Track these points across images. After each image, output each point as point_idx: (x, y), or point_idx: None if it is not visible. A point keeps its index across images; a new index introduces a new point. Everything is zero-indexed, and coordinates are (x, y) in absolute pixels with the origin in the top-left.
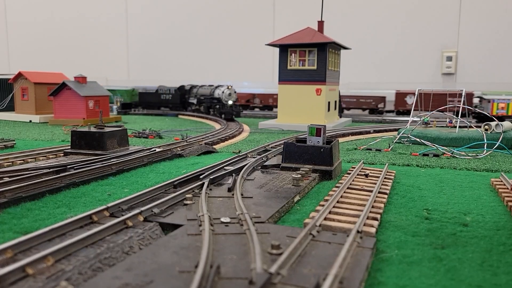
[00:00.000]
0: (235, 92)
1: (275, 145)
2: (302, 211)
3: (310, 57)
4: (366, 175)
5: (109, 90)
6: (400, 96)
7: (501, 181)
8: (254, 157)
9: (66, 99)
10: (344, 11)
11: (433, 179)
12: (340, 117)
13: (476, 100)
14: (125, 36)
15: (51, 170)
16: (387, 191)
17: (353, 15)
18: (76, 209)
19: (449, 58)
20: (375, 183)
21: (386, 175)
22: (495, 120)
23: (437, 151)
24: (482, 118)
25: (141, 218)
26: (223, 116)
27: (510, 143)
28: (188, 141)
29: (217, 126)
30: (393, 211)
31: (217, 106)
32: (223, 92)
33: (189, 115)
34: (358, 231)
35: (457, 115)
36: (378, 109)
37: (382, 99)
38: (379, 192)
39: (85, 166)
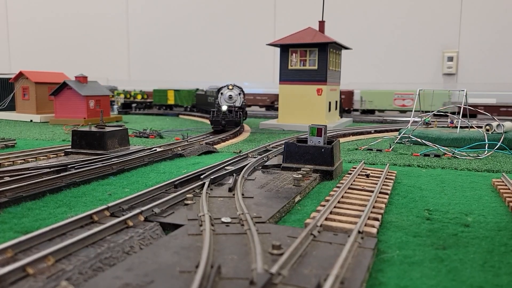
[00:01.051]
0: (239, 94)
1: (276, 145)
2: (303, 211)
3: (311, 57)
4: (367, 176)
5: (174, 90)
6: None
7: (503, 182)
8: (255, 157)
9: (67, 98)
10: (345, 11)
11: (434, 179)
12: (341, 117)
13: (358, 97)
14: (126, 36)
15: (51, 169)
16: (388, 192)
17: (354, 15)
18: (77, 209)
19: (450, 59)
20: (376, 184)
21: (387, 175)
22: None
23: (438, 152)
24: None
25: (142, 218)
26: (212, 126)
27: (511, 144)
28: (188, 141)
29: None
30: (394, 212)
31: (211, 113)
32: (221, 94)
33: (190, 115)
34: (359, 232)
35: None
36: (273, 105)
37: (276, 96)
38: (380, 193)
39: (85, 165)
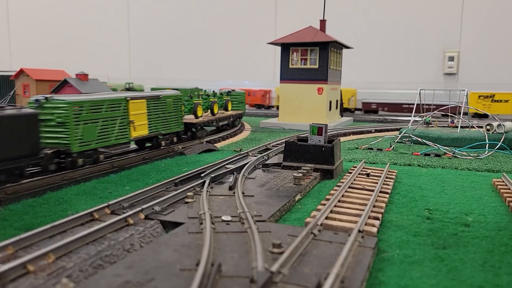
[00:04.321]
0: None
1: (276, 144)
2: (303, 210)
3: (312, 56)
4: (368, 175)
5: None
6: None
7: (503, 182)
8: (255, 156)
9: None
10: (346, 10)
11: (434, 179)
12: (341, 116)
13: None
14: (127, 34)
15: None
16: (389, 191)
17: (355, 15)
18: (77, 207)
19: (451, 58)
20: (377, 183)
21: (387, 174)
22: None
23: (439, 151)
24: None
25: (142, 216)
26: None
27: (511, 144)
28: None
29: None
30: (395, 211)
31: None
32: None
33: None
34: (359, 231)
35: None
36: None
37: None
38: (381, 192)
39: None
